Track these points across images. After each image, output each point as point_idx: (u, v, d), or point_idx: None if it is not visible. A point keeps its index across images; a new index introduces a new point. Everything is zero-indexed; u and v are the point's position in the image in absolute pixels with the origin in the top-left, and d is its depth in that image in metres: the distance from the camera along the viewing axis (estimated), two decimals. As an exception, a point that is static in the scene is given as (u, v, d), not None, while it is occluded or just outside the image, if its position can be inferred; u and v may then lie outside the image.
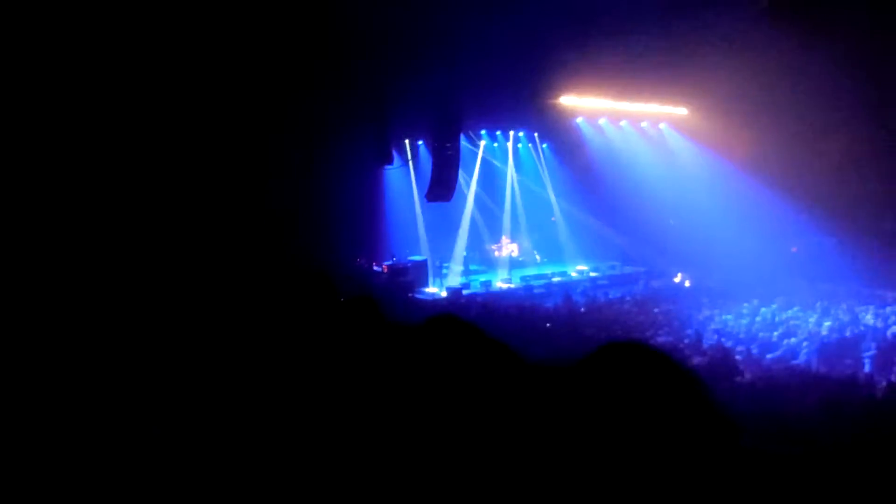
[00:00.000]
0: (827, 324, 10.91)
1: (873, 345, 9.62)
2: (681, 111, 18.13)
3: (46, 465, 2.04)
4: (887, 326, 10.70)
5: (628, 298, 14.30)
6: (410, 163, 17.82)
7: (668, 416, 1.13)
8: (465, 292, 15.11)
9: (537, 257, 19.56)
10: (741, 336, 10.71)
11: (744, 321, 11.67)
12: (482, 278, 16.76)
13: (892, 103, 13.63)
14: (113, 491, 1.98)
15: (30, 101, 9.30)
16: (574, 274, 17.66)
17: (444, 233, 17.90)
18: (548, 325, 10.15)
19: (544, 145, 19.75)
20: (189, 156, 11.58)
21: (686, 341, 10.04)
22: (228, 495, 1.98)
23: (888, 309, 11.74)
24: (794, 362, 9.10)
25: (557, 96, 15.63)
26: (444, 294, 15.14)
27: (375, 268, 15.95)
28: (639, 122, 18.94)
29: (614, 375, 1.22)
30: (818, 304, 12.23)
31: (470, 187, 18.54)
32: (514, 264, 18.28)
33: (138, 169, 10.79)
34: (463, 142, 16.29)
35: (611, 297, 14.76)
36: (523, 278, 16.81)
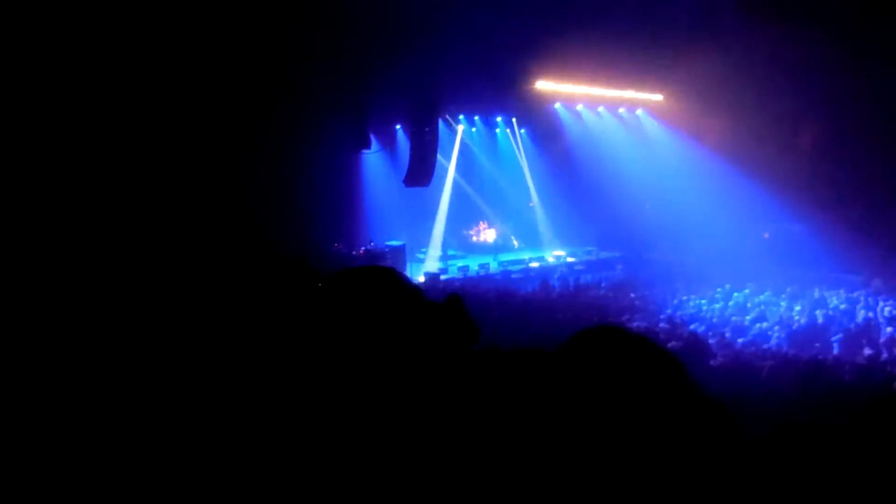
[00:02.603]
0: (797, 308, 11.14)
1: (841, 329, 9.85)
2: (657, 97, 18.25)
3: (35, 461, 2.01)
4: (855, 311, 10.96)
5: (604, 284, 14.44)
6: (388, 147, 17.72)
7: (652, 399, 1.13)
8: (442, 277, 15.13)
9: (515, 243, 19.62)
10: (714, 320, 10.89)
11: (717, 306, 11.86)
12: (460, 263, 16.79)
13: (862, 92, 13.84)
14: (96, 486, 1.96)
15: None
16: (551, 259, 17.76)
17: (421, 218, 17.88)
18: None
19: (522, 130, 19.76)
20: (163, 142, 11.39)
21: (661, 325, 10.18)
22: (215, 488, 1.97)
23: (856, 293, 12.02)
24: (766, 346, 9.29)
25: (535, 81, 15.63)
26: (421, 279, 15.15)
27: (353, 253, 15.89)
28: (616, 108, 19.02)
29: (595, 361, 1.22)
30: (789, 289, 12.47)
31: (448, 172, 18.50)
32: (492, 249, 18.33)
33: (108, 152, 10.58)
34: (441, 127, 16.24)
35: (587, 281, 14.90)
36: (501, 263, 16.88)
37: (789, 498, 1.23)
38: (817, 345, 9.31)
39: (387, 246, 16.17)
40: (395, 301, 1.66)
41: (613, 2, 10.77)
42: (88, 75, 9.96)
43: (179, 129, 11.66)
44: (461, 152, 19.09)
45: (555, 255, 18.06)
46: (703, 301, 12.20)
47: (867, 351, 8.66)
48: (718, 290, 12.77)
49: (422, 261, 17.13)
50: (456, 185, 19.09)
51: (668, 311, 11.54)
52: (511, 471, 1.27)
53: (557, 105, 18.16)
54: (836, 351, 9.00)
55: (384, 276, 1.72)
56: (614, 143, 18.49)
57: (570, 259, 17.83)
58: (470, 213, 19.30)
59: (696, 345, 8.59)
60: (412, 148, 15.30)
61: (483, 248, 18.53)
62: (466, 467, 1.34)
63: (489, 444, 1.33)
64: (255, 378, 2.59)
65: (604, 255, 18.36)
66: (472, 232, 19.20)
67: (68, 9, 8.95)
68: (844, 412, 5.34)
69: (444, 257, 17.19)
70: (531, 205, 19.97)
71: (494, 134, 19.89)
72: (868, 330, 9.71)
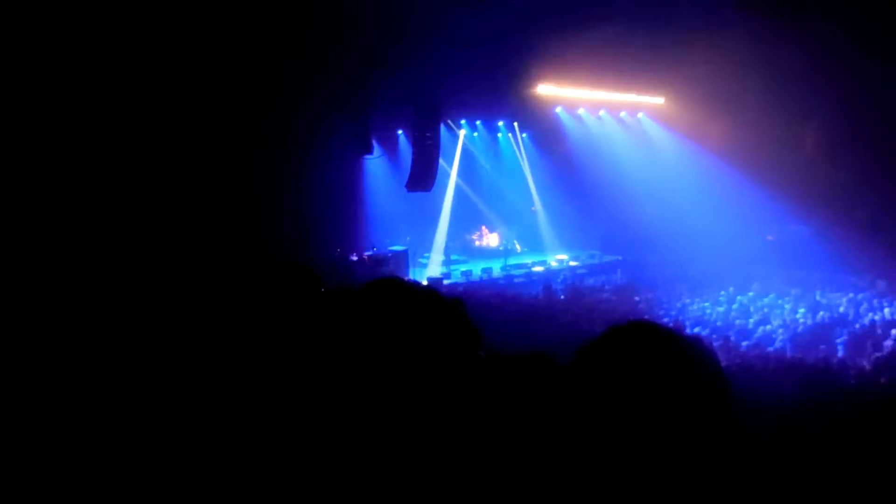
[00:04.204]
0: (802, 311, 11.10)
1: (846, 331, 9.81)
2: (658, 101, 18.23)
3: (33, 462, 2.01)
4: (859, 313, 10.92)
5: (608, 287, 14.41)
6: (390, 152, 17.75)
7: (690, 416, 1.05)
8: (445, 282, 15.12)
9: (517, 247, 19.59)
10: (718, 323, 10.86)
11: (721, 308, 11.83)
12: (463, 268, 16.78)
13: (865, 93, 13.82)
14: (97, 487, 1.96)
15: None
16: (554, 263, 17.74)
17: (424, 222, 17.92)
18: None
19: (524, 135, 19.76)
20: (164, 146, 11.41)
21: (665, 329, 10.14)
22: (218, 490, 1.96)
23: (860, 296, 11.97)
24: (770, 349, 9.26)
25: (536, 85, 15.63)
26: (424, 283, 15.15)
27: (352, 257, 15.92)
28: (617, 112, 19.01)
29: (632, 361, 1.12)
30: (793, 292, 12.43)
31: (450, 177, 18.52)
32: (494, 254, 18.32)
33: (108, 157, 10.59)
34: (443, 131, 16.24)
35: (590, 285, 14.88)
36: (504, 267, 16.87)
37: (793, 501, 1.21)
38: (822, 347, 9.27)
39: (389, 251, 16.17)
40: (412, 310, 1.65)
41: (614, 5, 10.76)
42: (86, 78, 9.97)
43: (180, 133, 11.68)
44: (464, 157, 19.14)
45: (557, 258, 18.05)
46: (707, 304, 12.17)
47: (872, 353, 8.63)
48: (722, 292, 12.74)
49: (424, 265, 17.12)
50: (459, 189, 19.14)
51: (673, 314, 11.52)
52: (517, 477, 1.26)
53: (559, 109, 18.16)
54: (840, 353, 8.96)
55: (395, 287, 1.71)
56: (616, 147, 18.49)
57: (572, 263, 17.81)
58: (472, 218, 19.31)
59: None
60: (414, 153, 15.30)
61: (486, 253, 18.52)
62: (472, 473, 1.33)
63: (495, 449, 1.31)
64: (262, 383, 2.58)
65: (607, 258, 18.34)
66: (474, 237, 19.20)
67: (67, 9, 8.96)
68: (850, 415, 5.32)
69: (448, 262, 17.17)
70: (533, 209, 19.97)
71: (496, 138, 19.90)
72: (873, 332, 9.67)
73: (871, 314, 10.67)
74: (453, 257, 17.73)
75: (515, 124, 19.36)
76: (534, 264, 17.28)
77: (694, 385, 1.06)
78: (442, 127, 16.29)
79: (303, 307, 3.48)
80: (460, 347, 1.64)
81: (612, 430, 1.06)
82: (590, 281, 15.45)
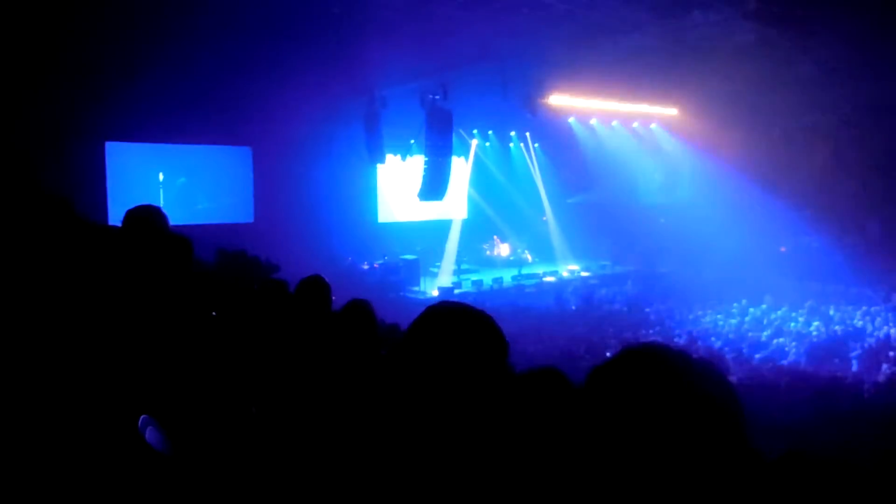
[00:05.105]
0: (815, 323, 11.01)
1: (860, 345, 9.71)
2: (671, 111, 18.17)
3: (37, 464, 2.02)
4: (874, 326, 10.81)
5: (619, 298, 14.35)
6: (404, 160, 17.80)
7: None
8: (456, 291, 15.11)
9: (528, 257, 19.53)
10: (731, 336, 10.79)
11: (733, 321, 11.75)
12: (473, 277, 16.76)
13: (876, 105, 13.75)
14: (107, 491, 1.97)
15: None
16: (565, 273, 17.69)
17: (437, 231, 17.97)
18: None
19: (536, 145, 19.76)
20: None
21: (676, 341, 10.10)
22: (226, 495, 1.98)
23: (874, 309, 11.85)
24: (783, 362, 9.18)
25: (548, 96, 15.63)
26: (435, 293, 15.16)
27: (363, 266, 15.96)
28: (630, 123, 18.96)
29: (641, 387, 1.10)
30: (807, 304, 12.33)
31: (462, 186, 18.55)
32: (505, 264, 18.29)
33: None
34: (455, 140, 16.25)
35: (601, 296, 14.83)
36: (514, 278, 16.83)
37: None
38: (836, 361, 9.19)
39: (400, 260, 16.19)
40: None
41: (627, 17, 10.77)
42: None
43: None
44: (475, 166, 19.17)
45: (569, 269, 17.99)
46: (720, 316, 12.10)
47: (887, 367, 8.54)
48: (735, 305, 12.65)
49: (435, 274, 17.13)
50: (470, 199, 19.15)
51: (684, 326, 11.46)
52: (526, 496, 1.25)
53: (571, 119, 18.14)
54: (854, 367, 8.88)
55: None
56: (628, 158, 18.44)
57: (584, 273, 17.74)
58: (484, 228, 19.32)
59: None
60: (427, 161, 15.31)
61: (497, 263, 18.50)
62: (479, 489, 1.33)
63: (504, 466, 1.31)
64: (272, 391, 2.60)
65: (618, 269, 18.26)
66: (485, 246, 19.19)
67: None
68: (864, 430, 5.26)
69: (458, 271, 17.16)
70: (544, 219, 19.94)
71: (508, 148, 19.92)
72: (887, 346, 9.57)
73: (886, 327, 10.55)
74: (464, 266, 17.73)
75: (528, 134, 19.39)
76: (545, 275, 17.23)
77: (705, 413, 1.06)
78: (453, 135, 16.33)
79: (314, 318, 3.51)
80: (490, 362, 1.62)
81: (621, 455, 1.06)
82: (601, 292, 15.39)
